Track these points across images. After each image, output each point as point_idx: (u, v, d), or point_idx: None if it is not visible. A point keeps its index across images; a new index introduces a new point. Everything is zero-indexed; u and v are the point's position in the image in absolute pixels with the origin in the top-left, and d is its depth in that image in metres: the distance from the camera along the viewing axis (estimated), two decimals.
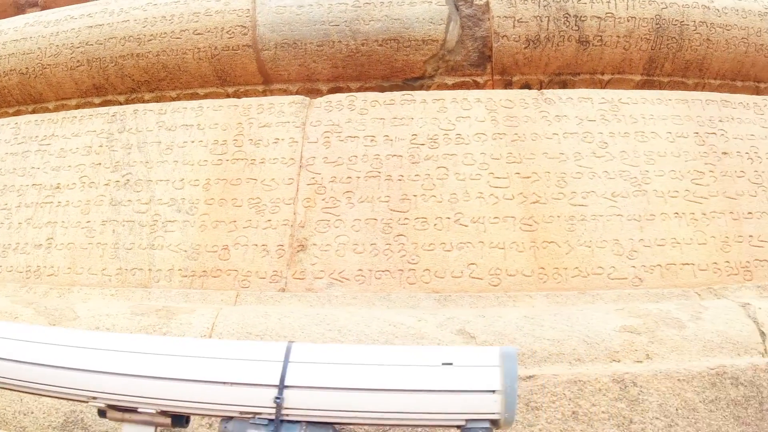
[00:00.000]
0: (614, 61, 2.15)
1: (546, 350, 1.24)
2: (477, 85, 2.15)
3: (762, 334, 1.32)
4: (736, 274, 1.62)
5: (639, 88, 2.18)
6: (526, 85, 2.17)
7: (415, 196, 1.66)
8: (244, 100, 1.89)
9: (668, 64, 2.17)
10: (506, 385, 0.72)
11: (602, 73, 2.18)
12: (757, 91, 2.31)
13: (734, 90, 2.27)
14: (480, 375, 0.74)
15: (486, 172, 1.69)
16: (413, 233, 1.61)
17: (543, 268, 1.56)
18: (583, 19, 2.07)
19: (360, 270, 1.58)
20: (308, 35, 2.01)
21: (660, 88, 2.20)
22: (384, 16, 2.02)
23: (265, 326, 1.37)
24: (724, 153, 1.83)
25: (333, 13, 2.02)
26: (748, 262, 1.65)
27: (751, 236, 1.69)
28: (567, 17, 2.07)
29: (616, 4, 2.09)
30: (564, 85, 2.18)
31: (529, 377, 1.14)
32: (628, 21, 2.09)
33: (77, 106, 2.17)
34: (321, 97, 2.00)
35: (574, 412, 1.10)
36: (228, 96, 2.11)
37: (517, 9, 2.06)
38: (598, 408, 1.11)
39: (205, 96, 2.12)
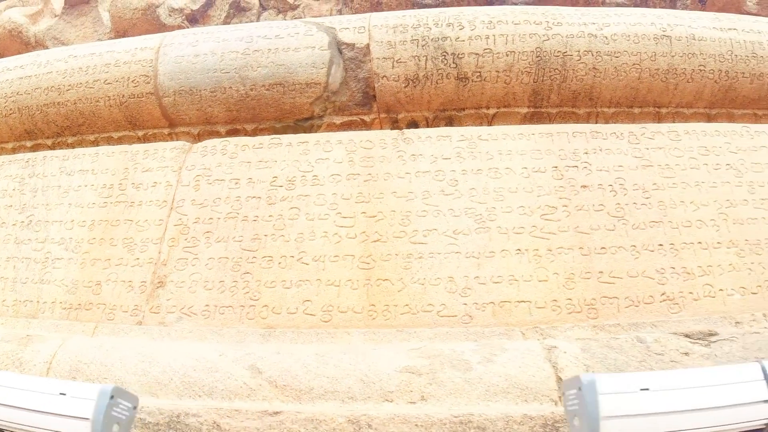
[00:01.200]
0: (497, 96, 2.15)
1: (323, 387, 1.28)
2: (364, 124, 2.21)
3: (560, 380, 1.28)
4: (578, 312, 1.58)
5: (527, 121, 2.17)
6: (413, 122, 2.21)
7: (266, 235, 1.74)
8: (134, 146, 2.05)
9: (554, 95, 2.15)
10: (95, 415, 0.86)
11: (487, 108, 2.18)
12: (659, 117, 2.23)
13: (632, 118, 2.22)
14: (79, 405, 0.87)
15: (334, 212, 1.74)
16: (259, 271, 1.69)
17: (374, 305, 1.59)
18: (460, 56, 2.10)
19: (207, 305, 1.67)
20: (202, 82, 2.15)
21: (549, 120, 2.18)
22: (270, 62, 2.13)
23: (93, 356, 1.49)
24: (584, 186, 1.79)
25: (225, 61, 2.15)
26: (593, 299, 1.60)
27: (601, 272, 1.64)
28: (445, 55, 2.10)
29: (495, 39, 2.10)
30: (450, 120, 2.20)
31: (276, 413, 1.18)
32: (507, 56, 2.10)
33: (13, 150, 2.41)
34: (217, 138, 2.13)
35: None
36: (138, 139, 2.29)
37: (396, 50, 2.11)
38: None
39: (119, 139, 2.30)
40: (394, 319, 1.58)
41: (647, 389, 0.84)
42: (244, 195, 1.84)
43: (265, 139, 1.96)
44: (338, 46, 2.19)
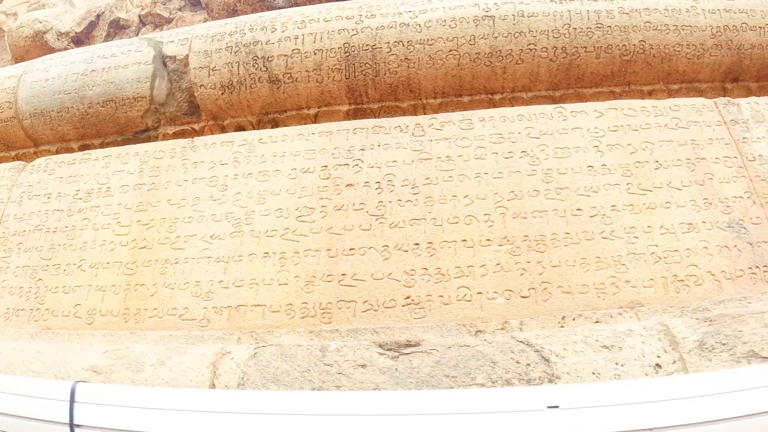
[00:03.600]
0: (313, 95, 2.23)
1: None
2: (195, 132, 2.40)
3: (213, 385, 1.37)
4: (312, 316, 1.64)
5: (350, 118, 2.24)
6: (240, 127, 2.36)
7: (59, 245, 1.98)
8: None
9: (371, 90, 2.18)
10: None
11: (308, 108, 2.27)
12: (493, 104, 2.18)
13: (462, 107, 2.20)
14: None
15: (115, 222, 1.94)
16: (49, 278, 1.93)
17: (128, 309, 1.76)
18: (270, 59, 2.20)
19: (8, 309, 1.95)
20: (50, 104, 2.46)
21: (374, 115, 2.23)
22: (103, 80, 2.38)
23: None
24: (349, 185, 1.82)
25: (67, 82, 2.44)
26: (330, 303, 1.64)
27: (344, 275, 1.68)
28: (255, 60, 2.22)
29: (303, 39, 2.19)
30: (275, 123, 2.32)
31: None
32: (315, 54, 2.17)
33: None
34: (69, 154, 2.41)
35: None
36: (12, 158, 2.64)
37: (211, 59, 2.27)
38: None
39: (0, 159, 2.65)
40: (143, 322, 1.74)
41: None
42: (52, 208, 2.09)
43: (78, 155, 2.20)
44: (163, 60, 2.38)
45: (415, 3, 2.22)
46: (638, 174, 1.80)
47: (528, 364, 1.34)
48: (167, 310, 1.74)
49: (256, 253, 1.76)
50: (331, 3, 2.35)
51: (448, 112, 2.20)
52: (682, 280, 1.64)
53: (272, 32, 2.25)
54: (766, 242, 1.73)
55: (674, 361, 1.37)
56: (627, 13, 2.15)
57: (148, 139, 2.44)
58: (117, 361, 1.50)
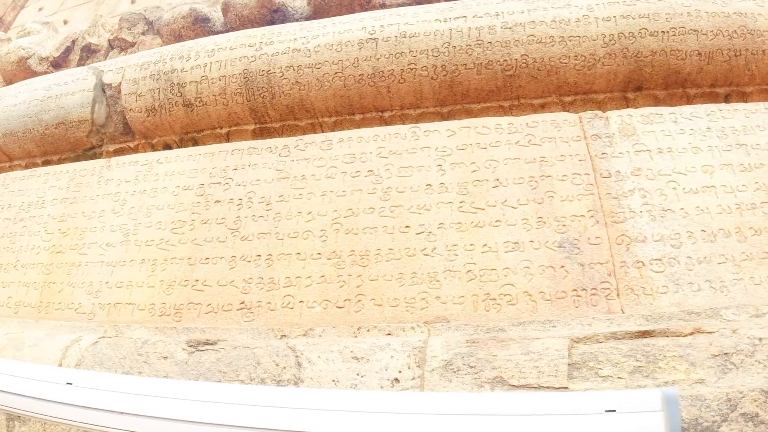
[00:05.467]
0: (222, 117, 2.95)
1: None
2: (131, 149, 3.24)
3: (61, 364, 2.14)
4: (168, 315, 2.34)
5: (257, 137, 2.93)
6: (167, 145, 3.15)
7: (4, 248, 2.90)
8: None
9: (271, 111, 2.86)
10: None
11: (220, 128, 3.00)
12: (384, 121, 2.75)
13: (356, 124, 2.78)
14: None
15: (44, 230, 2.82)
16: None
17: (41, 302, 2.60)
18: (183, 85, 2.98)
19: None
20: (17, 126, 3.44)
21: (278, 134, 2.90)
22: (56, 105, 3.33)
23: None
24: (217, 201, 2.50)
25: (30, 107, 3.42)
26: (182, 304, 2.33)
27: (197, 280, 2.36)
28: (172, 86, 3.01)
29: (211, 66, 2.94)
30: (195, 141, 3.08)
31: None
32: (220, 80, 2.90)
33: None
34: (21, 171, 3.41)
35: None
36: None
37: (138, 86, 3.11)
38: None
39: None
40: (50, 314, 2.56)
41: None
42: (3, 217, 3.03)
43: (26, 172, 3.13)
44: (102, 87, 3.26)
45: (311, 29, 2.85)
46: (474, 192, 2.26)
47: (284, 367, 1.89)
48: (68, 304, 2.55)
49: (136, 259, 2.51)
50: (242, 30, 3.07)
51: (342, 129, 2.76)
52: (494, 299, 2.05)
53: (187, 61, 3.02)
54: (600, 263, 2.08)
55: (413, 378, 1.78)
56: (510, 28, 2.59)
57: (95, 156, 3.33)
58: (10, 341, 2.31)
